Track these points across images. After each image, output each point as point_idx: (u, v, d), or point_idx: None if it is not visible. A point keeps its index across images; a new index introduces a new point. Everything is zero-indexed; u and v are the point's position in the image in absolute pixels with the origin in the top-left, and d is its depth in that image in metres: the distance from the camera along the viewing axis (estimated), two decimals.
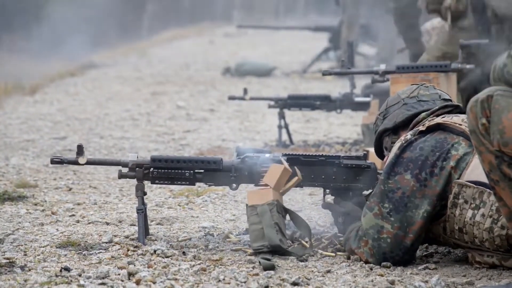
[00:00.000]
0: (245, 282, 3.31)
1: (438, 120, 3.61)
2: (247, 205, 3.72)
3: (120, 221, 4.38)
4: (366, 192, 3.89)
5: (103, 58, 14.88)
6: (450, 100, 3.84)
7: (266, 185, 3.75)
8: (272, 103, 6.83)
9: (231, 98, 7.04)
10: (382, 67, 5.93)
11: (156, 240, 3.92)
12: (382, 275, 3.41)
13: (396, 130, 3.82)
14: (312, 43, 16.14)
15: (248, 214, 3.69)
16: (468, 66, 5.79)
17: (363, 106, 6.73)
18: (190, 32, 21.37)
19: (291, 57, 14.96)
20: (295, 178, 3.80)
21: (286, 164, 3.77)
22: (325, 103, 6.78)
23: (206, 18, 24.42)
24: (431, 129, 3.59)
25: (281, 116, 6.75)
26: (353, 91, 6.68)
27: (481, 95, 3.14)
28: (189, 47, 17.54)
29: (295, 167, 3.82)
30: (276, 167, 3.77)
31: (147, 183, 3.94)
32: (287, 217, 3.78)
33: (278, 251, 3.62)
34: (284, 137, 6.85)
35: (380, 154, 3.92)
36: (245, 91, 6.94)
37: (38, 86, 10.78)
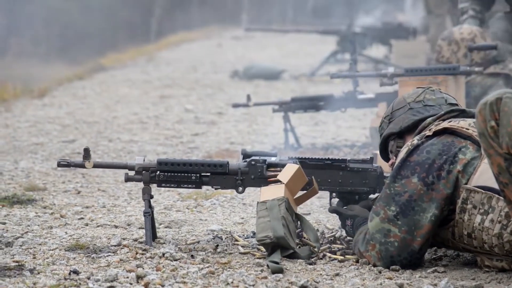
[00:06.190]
0: (253, 285, 3.31)
1: (445, 124, 3.60)
2: (258, 202, 3.72)
3: (128, 224, 4.38)
4: (373, 196, 3.89)
5: (111, 61, 14.90)
6: (457, 105, 3.83)
7: (279, 181, 3.76)
8: (276, 107, 6.83)
9: (235, 106, 7.06)
10: (391, 70, 5.92)
11: (164, 243, 3.92)
12: (390, 278, 3.40)
13: (402, 134, 3.81)
14: (320, 46, 16.14)
15: (258, 209, 3.68)
16: (477, 69, 5.78)
17: (367, 104, 6.72)
18: (198, 35, 21.39)
19: (299, 60, 14.96)
20: (312, 189, 3.81)
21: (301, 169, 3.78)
22: (329, 103, 6.78)
23: (214, 21, 24.45)
24: (438, 133, 3.58)
25: (286, 119, 6.75)
26: (356, 89, 6.68)
27: (490, 97, 3.13)
28: (197, 50, 17.55)
29: (313, 178, 3.82)
30: (292, 166, 3.78)
31: (154, 186, 3.94)
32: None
33: (282, 244, 3.58)
34: (291, 140, 6.85)
35: (386, 157, 3.91)
36: (249, 97, 6.95)
37: (46, 89, 10.80)
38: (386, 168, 3.97)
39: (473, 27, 6.41)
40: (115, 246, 3.87)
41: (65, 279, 3.36)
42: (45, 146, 6.98)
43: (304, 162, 3.87)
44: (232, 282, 3.33)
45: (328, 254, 3.76)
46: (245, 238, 4.04)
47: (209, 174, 3.88)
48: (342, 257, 3.72)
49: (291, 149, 6.73)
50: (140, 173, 3.88)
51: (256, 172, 3.88)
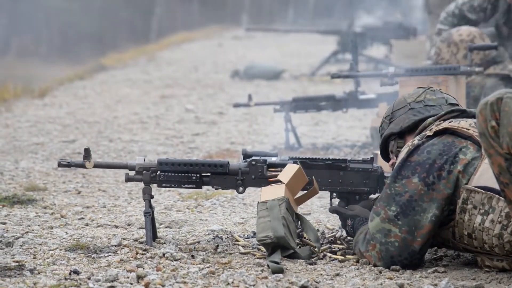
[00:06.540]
0: (254, 285, 3.31)
1: (445, 124, 3.60)
2: (258, 202, 3.72)
3: (129, 224, 4.38)
4: (373, 196, 3.89)
5: (112, 61, 14.90)
6: (457, 105, 3.83)
7: (280, 182, 3.76)
8: (277, 107, 6.83)
9: (236, 105, 7.06)
10: (391, 70, 5.92)
11: (165, 243, 3.92)
12: (391, 278, 3.40)
13: (402, 134, 3.81)
14: (321, 46, 16.14)
15: (258, 209, 3.68)
16: (477, 69, 5.77)
17: (368, 104, 6.72)
18: (199, 35, 21.39)
19: (299, 60, 14.95)
20: (312, 189, 3.80)
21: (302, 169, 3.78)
22: (330, 103, 6.78)
23: (214, 21, 24.45)
24: (438, 133, 3.58)
25: (287, 119, 6.76)
26: (357, 89, 6.68)
27: (491, 97, 3.14)
28: (197, 50, 17.55)
29: (313, 178, 3.82)
30: (292, 166, 3.78)
31: (154, 186, 3.94)
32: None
33: (282, 244, 3.57)
34: (292, 140, 6.85)
35: (386, 157, 3.92)
36: (250, 97, 6.96)
37: (47, 89, 10.80)
38: (386, 168, 3.97)
39: (471, 29, 6.41)
40: (115, 246, 3.87)
41: (66, 279, 3.36)
42: (46, 146, 6.98)
43: (304, 162, 3.87)
44: (232, 282, 3.33)
45: (329, 254, 3.76)
46: (246, 238, 4.04)
47: (209, 174, 3.88)
48: (342, 257, 3.72)
49: (291, 149, 6.73)
50: (141, 173, 3.88)
51: (257, 172, 3.88)
